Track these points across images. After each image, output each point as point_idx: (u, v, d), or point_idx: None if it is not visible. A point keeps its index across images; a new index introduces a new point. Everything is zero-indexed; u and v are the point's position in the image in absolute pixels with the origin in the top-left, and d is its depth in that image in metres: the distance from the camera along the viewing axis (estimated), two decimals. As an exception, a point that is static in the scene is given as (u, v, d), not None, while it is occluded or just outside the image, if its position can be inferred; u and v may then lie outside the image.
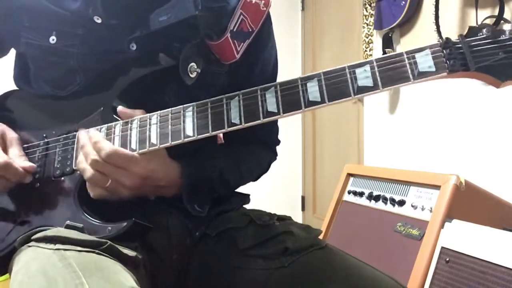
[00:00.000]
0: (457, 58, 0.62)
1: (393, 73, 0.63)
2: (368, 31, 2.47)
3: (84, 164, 0.70)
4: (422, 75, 0.63)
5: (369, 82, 0.63)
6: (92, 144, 0.69)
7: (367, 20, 2.49)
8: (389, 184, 1.51)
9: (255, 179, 0.93)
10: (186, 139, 0.68)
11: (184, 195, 0.75)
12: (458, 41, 0.63)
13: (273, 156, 0.97)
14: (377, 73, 0.63)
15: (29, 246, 0.66)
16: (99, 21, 0.76)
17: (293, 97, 0.66)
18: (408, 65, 0.63)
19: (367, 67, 0.64)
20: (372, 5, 2.47)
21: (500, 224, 1.22)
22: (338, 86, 0.64)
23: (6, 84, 0.89)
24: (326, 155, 3.37)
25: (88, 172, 0.69)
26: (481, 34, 0.63)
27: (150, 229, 0.72)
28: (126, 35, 0.76)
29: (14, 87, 0.89)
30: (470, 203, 1.27)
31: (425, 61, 0.63)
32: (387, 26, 2.38)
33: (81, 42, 0.77)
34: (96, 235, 0.68)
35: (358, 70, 0.64)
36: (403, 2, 2.26)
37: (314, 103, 0.65)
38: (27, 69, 0.84)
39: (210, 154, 0.82)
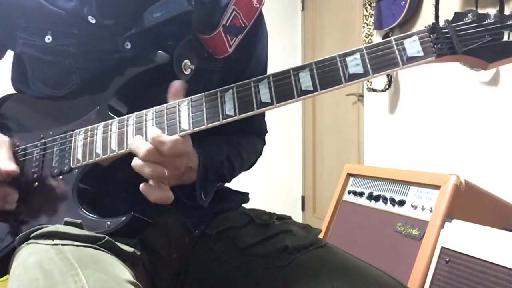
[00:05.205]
0: (444, 42, 0.63)
1: (383, 59, 0.64)
2: (368, 31, 2.47)
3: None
4: (411, 60, 0.64)
5: (359, 70, 0.65)
6: (155, 142, 0.66)
7: (367, 20, 2.49)
8: (389, 184, 1.51)
9: (250, 167, 0.95)
10: (182, 133, 0.69)
11: (198, 179, 0.75)
12: (444, 26, 0.65)
13: (263, 144, 1.00)
14: (367, 60, 0.65)
15: (28, 244, 0.66)
16: (94, 21, 0.76)
17: (286, 87, 0.67)
18: (397, 51, 0.64)
19: (357, 55, 0.65)
20: (372, 5, 2.47)
21: (500, 224, 1.22)
22: (329, 74, 0.65)
23: (4, 87, 0.89)
24: (326, 155, 3.37)
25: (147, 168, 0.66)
26: (466, 19, 0.64)
27: (149, 224, 0.73)
28: (121, 34, 0.77)
29: (12, 90, 0.89)
30: (470, 203, 1.27)
31: (413, 47, 0.64)
32: (387, 26, 2.38)
33: (76, 41, 0.77)
34: (95, 230, 0.68)
35: (348, 58, 0.65)
36: (403, 2, 2.26)
37: (307, 91, 0.66)
38: (25, 70, 0.84)
39: (214, 142, 0.83)
